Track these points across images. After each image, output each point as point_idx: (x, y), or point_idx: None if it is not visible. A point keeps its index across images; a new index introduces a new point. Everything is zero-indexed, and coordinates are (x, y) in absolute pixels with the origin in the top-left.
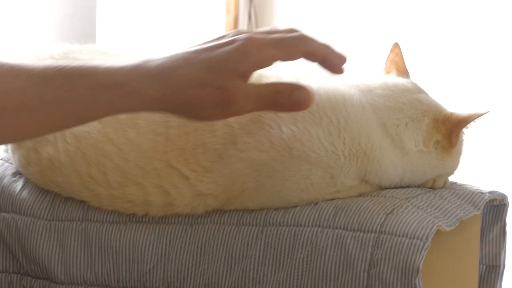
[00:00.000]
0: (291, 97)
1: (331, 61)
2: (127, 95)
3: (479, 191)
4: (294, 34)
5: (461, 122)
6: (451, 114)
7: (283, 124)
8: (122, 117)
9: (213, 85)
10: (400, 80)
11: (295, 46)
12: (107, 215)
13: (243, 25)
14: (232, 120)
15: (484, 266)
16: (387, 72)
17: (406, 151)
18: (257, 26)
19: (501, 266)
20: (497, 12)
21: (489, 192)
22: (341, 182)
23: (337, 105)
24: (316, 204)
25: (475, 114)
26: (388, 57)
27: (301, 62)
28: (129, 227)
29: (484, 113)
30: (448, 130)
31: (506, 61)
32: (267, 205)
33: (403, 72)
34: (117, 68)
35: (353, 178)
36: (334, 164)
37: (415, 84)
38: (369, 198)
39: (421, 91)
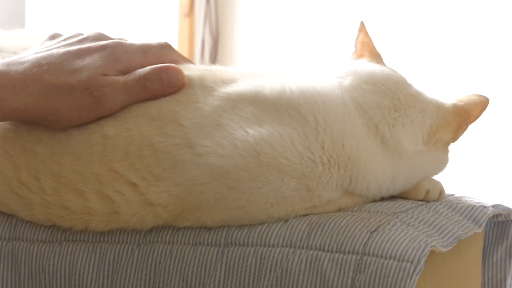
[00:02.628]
0: (161, 80)
1: None
2: None
3: (480, 204)
4: (159, 42)
5: (471, 116)
6: (456, 107)
7: (247, 126)
8: None
9: (80, 88)
10: (386, 71)
11: (161, 55)
12: (39, 233)
13: (200, 5)
14: (180, 116)
15: None
16: (359, 56)
17: (400, 153)
18: (216, 7)
19: None
20: (486, 9)
21: (493, 206)
22: (318, 195)
23: (313, 102)
24: (287, 220)
25: (482, 102)
26: (357, 38)
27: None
28: (65, 247)
29: (487, 100)
30: (458, 125)
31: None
32: (230, 222)
33: (376, 55)
34: None
35: (333, 190)
36: (310, 173)
37: (399, 74)
38: (349, 213)
39: (408, 82)
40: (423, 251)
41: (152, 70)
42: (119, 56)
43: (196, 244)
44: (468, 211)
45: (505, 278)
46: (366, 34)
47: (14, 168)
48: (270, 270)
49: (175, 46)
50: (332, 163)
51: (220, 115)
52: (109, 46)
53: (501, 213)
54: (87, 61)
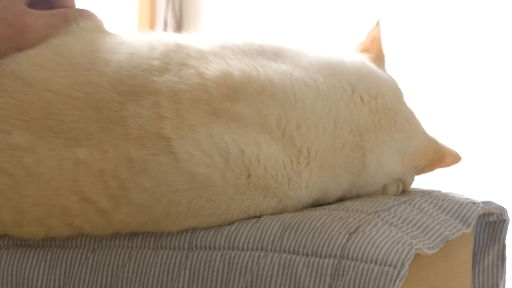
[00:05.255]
0: (79, 24)
1: None
2: None
3: (469, 201)
4: None
5: (443, 162)
6: (438, 145)
7: (242, 143)
8: (16, 140)
9: None
10: (393, 84)
11: None
12: None
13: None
14: (169, 130)
15: None
16: (366, 49)
17: (366, 174)
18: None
19: None
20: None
21: (483, 203)
22: (290, 211)
23: (308, 135)
24: (257, 220)
25: (456, 157)
26: (372, 30)
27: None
28: (13, 253)
29: (460, 159)
30: (431, 161)
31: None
32: (199, 226)
33: (382, 56)
34: None
35: (304, 206)
36: (293, 195)
37: (398, 85)
38: (326, 213)
39: (403, 97)
40: (407, 254)
41: (75, 13)
42: None
43: (157, 248)
44: (455, 209)
45: (497, 284)
46: (380, 31)
47: None
48: (240, 275)
49: (134, 27)
50: (315, 189)
51: (210, 127)
52: None
53: (493, 212)
54: None
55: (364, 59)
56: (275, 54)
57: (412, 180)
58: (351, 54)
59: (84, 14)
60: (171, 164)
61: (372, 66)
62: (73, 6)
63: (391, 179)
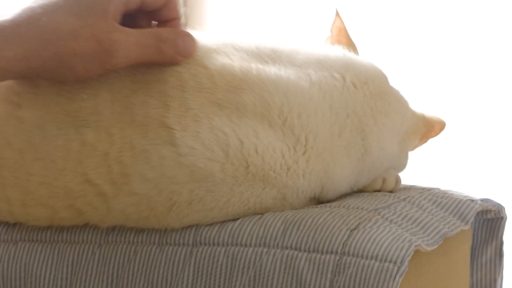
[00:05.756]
0: (177, 46)
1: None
2: None
3: (468, 198)
4: None
5: (433, 132)
6: (425, 118)
7: (242, 134)
8: (23, 113)
9: (85, 34)
10: (376, 66)
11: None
12: None
13: None
14: (172, 120)
15: None
16: (336, 41)
17: (371, 157)
18: None
19: None
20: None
21: (482, 200)
22: (290, 203)
23: (307, 123)
24: (260, 217)
25: (441, 123)
26: (334, 23)
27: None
28: (21, 247)
29: (445, 124)
30: (423, 135)
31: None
32: (202, 222)
33: (352, 43)
34: None
35: (305, 200)
36: (292, 184)
37: (378, 67)
38: (328, 210)
39: (389, 82)
40: (407, 250)
41: (170, 33)
42: None
43: (162, 244)
44: (454, 206)
45: (495, 280)
46: (342, 21)
47: None
48: (243, 271)
49: None
50: (314, 176)
51: (212, 118)
52: None
53: (491, 209)
54: None
55: (343, 49)
56: (273, 53)
57: (407, 159)
58: (330, 47)
59: (179, 34)
60: (173, 158)
61: (352, 54)
62: (178, 21)
63: (393, 162)
